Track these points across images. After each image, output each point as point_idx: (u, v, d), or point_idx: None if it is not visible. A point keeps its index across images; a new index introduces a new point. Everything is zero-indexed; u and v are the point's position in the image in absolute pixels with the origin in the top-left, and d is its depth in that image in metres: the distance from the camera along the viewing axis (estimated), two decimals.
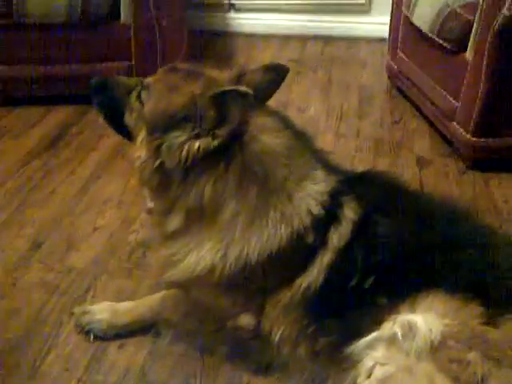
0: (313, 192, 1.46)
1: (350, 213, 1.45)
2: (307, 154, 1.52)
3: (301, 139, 1.54)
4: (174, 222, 1.48)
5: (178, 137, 1.38)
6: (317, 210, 1.44)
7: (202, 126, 1.36)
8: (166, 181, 1.44)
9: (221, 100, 1.33)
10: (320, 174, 1.50)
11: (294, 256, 1.45)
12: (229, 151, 1.39)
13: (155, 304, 1.70)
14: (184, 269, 1.51)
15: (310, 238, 1.43)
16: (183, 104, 1.39)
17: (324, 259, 1.43)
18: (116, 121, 1.58)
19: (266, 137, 1.45)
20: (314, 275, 1.43)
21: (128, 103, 1.54)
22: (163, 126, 1.40)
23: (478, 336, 1.22)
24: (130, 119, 1.54)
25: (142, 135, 1.46)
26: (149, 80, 1.52)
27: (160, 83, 1.49)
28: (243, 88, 1.33)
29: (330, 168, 1.55)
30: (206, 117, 1.35)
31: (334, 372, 1.46)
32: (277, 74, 1.56)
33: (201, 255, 1.47)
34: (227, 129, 1.34)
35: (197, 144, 1.36)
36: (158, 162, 1.41)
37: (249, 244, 1.42)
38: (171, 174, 1.42)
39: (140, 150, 1.46)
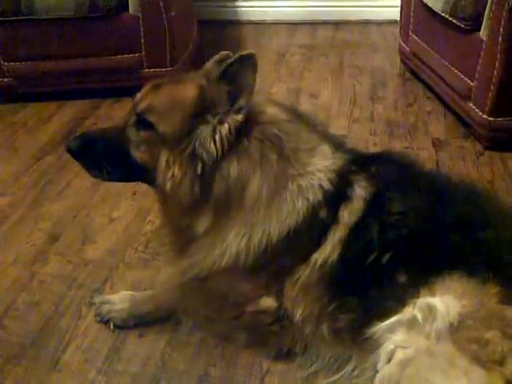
0: (322, 167, 1.48)
1: (360, 191, 1.46)
2: (308, 129, 1.55)
3: (299, 116, 1.57)
4: (204, 221, 1.46)
5: (204, 131, 1.38)
6: (327, 185, 1.45)
7: (220, 109, 1.38)
8: (206, 183, 1.41)
9: (230, 74, 1.34)
10: (327, 150, 1.52)
11: (309, 232, 1.45)
12: (246, 127, 1.41)
13: (174, 292, 1.69)
14: (207, 265, 1.50)
15: (323, 214, 1.45)
16: (195, 99, 1.39)
17: (336, 235, 1.43)
18: (122, 168, 1.48)
19: (271, 109, 1.50)
20: (327, 251, 1.44)
21: (128, 141, 1.45)
22: (187, 130, 1.39)
23: (496, 315, 1.21)
24: (139, 154, 1.45)
25: (164, 156, 1.41)
26: (145, 104, 1.43)
27: (160, 98, 1.44)
28: (245, 52, 1.33)
29: (336, 145, 1.57)
30: (220, 98, 1.37)
31: (356, 353, 1.46)
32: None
33: (225, 246, 1.47)
34: (247, 96, 1.36)
35: (226, 127, 1.38)
36: (199, 167, 1.38)
37: (270, 222, 1.43)
38: (209, 172, 1.40)
39: (170, 171, 1.41)
